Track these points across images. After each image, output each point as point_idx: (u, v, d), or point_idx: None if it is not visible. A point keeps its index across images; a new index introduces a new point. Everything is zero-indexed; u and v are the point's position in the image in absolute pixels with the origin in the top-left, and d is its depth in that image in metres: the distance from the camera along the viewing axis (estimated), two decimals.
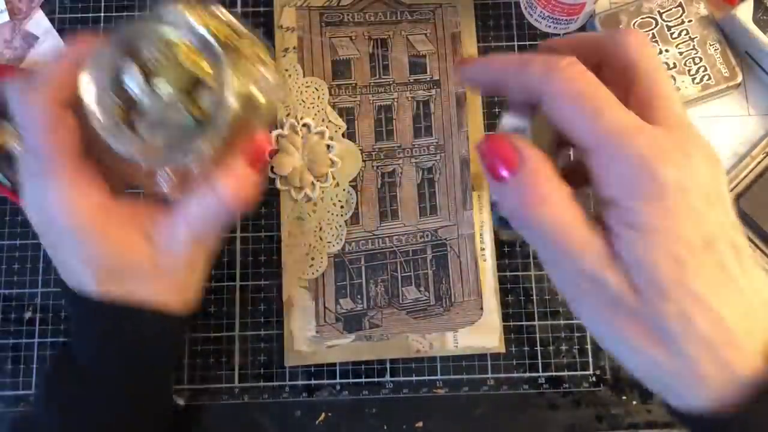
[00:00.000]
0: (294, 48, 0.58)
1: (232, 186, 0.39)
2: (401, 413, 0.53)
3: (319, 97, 0.57)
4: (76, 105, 0.38)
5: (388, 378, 0.53)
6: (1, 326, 0.54)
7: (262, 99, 0.39)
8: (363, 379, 0.53)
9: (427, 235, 0.55)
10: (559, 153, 0.38)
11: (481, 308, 0.54)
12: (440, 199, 0.56)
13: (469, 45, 0.59)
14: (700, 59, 0.57)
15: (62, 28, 0.60)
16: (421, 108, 0.58)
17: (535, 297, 0.55)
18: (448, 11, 0.59)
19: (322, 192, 0.56)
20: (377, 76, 0.58)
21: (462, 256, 0.55)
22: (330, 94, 0.58)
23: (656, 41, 0.57)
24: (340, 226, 0.55)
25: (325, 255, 0.55)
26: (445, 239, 0.55)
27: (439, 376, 0.53)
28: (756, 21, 0.56)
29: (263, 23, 0.60)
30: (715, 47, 0.57)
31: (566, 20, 0.57)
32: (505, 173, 0.32)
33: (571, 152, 0.40)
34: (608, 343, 0.32)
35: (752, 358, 0.30)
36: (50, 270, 0.55)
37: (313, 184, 0.56)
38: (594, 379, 0.53)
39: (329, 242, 0.55)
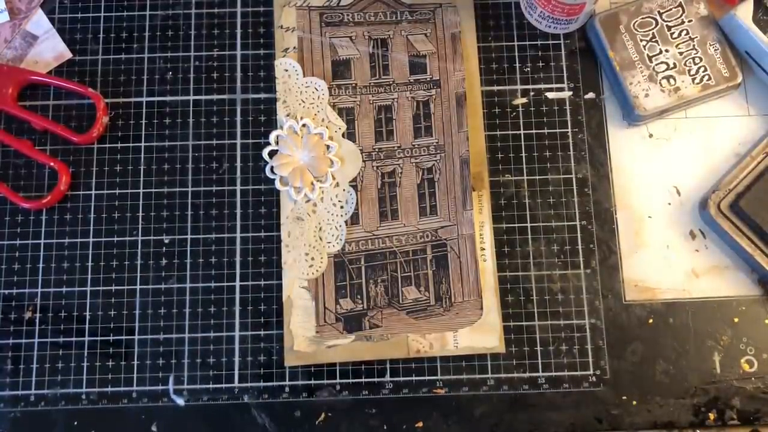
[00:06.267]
0: (294, 48, 0.58)
1: None
2: (401, 413, 0.53)
3: (319, 97, 0.57)
4: None
5: (388, 378, 0.53)
6: (1, 326, 0.54)
7: None
8: (363, 379, 0.53)
9: (427, 235, 0.55)
10: None
11: (481, 308, 0.54)
12: (440, 199, 0.56)
13: (469, 45, 0.59)
14: (700, 59, 0.56)
15: (62, 28, 0.60)
16: (421, 108, 0.58)
17: (535, 297, 0.55)
18: (448, 11, 0.59)
19: (322, 192, 0.56)
20: (377, 76, 0.58)
21: (462, 256, 0.55)
22: (330, 94, 0.58)
23: (656, 41, 0.57)
24: (340, 226, 0.55)
25: (325, 255, 0.55)
26: (445, 239, 0.55)
27: (439, 376, 0.53)
28: (756, 21, 0.56)
29: (263, 23, 0.60)
30: (715, 47, 0.57)
31: (566, 20, 0.57)
32: None
33: None
34: None
35: None
36: (50, 270, 0.55)
37: (313, 184, 0.56)
38: (594, 379, 0.53)
39: (329, 242, 0.55)
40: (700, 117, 0.58)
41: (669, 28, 0.57)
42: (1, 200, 0.56)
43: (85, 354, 0.54)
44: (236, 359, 0.54)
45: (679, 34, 0.57)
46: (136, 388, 0.53)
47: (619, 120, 0.58)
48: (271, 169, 0.56)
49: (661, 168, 0.57)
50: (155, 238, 0.56)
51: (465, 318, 0.54)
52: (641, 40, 0.57)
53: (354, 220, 0.55)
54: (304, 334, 0.53)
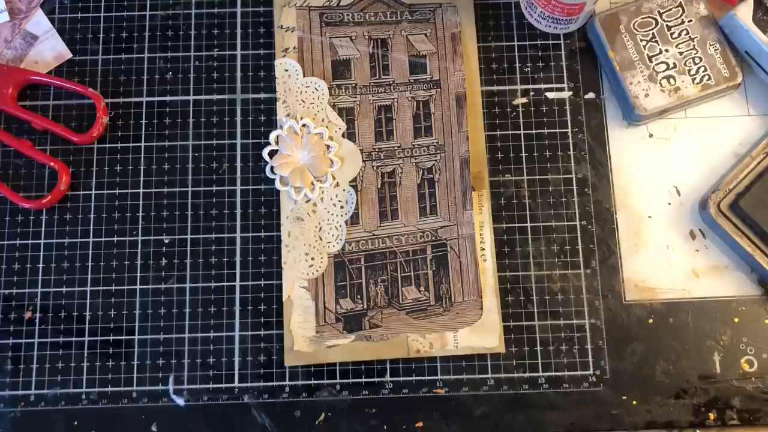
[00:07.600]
0: (294, 48, 0.58)
1: None
2: (401, 413, 0.53)
3: (319, 97, 0.57)
4: None
5: (388, 378, 0.53)
6: (1, 326, 0.54)
7: None
8: (363, 379, 0.53)
9: (427, 235, 0.55)
10: None
11: (481, 308, 0.54)
12: (440, 199, 0.56)
13: (469, 45, 0.59)
14: (700, 59, 0.56)
15: (62, 28, 0.60)
16: (421, 108, 0.58)
17: (535, 297, 0.55)
18: (448, 11, 0.59)
19: (322, 192, 0.56)
20: (377, 76, 0.58)
21: (462, 256, 0.55)
22: (330, 94, 0.58)
23: (656, 41, 0.57)
24: (340, 226, 0.55)
25: (325, 255, 0.55)
26: (445, 239, 0.55)
27: (439, 376, 0.53)
28: (756, 21, 0.56)
29: (263, 23, 0.60)
30: (715, 47, 0.57)
31: (566, 20, 0.57)
32: None
33: None
34: None
35: None
36: (50, 270, 0.55)
37: (313, 184, 0.56)
38: (594, 379, 0.53)
39: (329, 242, 0.55)
40: (700, 117, 0.58)
41: (669, 28, 0.57)
42: (1, 200, 0.56)
43: (85, 354, 0.54)
44: (236, 359, 0.54)
45: (679, 34, 0.57)
46: (136, 388, 0.53)
47: (619, 120, 0.58)
48: (271, 169, 0.56)
49: (661, 168, 0.57)
50: (155, 238, 0.56)
51: (465, 318, 0.54)
52: (641, 40, 0.57)
53: (354, 220, 0.55)
54: (304, 334, 0.53)
